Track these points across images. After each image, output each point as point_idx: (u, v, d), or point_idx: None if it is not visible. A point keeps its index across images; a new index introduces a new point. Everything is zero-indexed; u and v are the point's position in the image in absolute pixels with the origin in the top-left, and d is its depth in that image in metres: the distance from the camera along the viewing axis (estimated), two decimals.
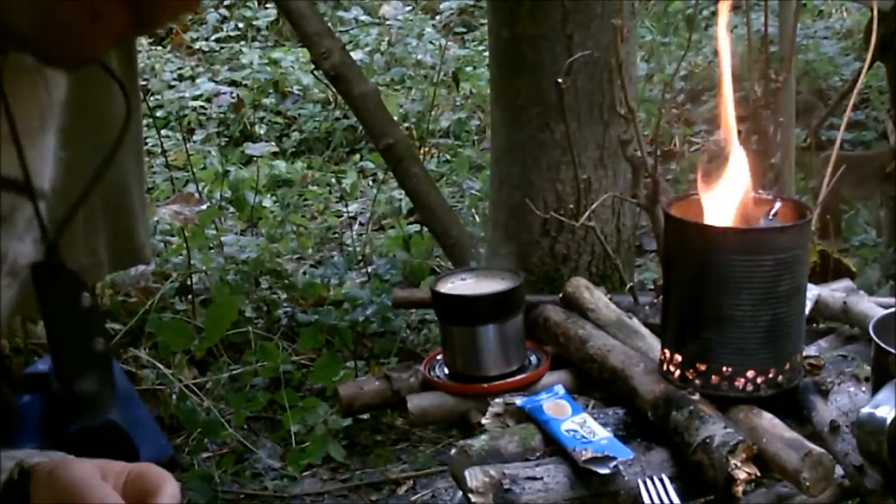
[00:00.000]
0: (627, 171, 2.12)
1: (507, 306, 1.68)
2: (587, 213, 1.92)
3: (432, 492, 2.62)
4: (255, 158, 4.48)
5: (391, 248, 3.64)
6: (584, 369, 1.66)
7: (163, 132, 4.50)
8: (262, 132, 4.96)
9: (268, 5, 5.87)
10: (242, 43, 5.81)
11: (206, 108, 5.11)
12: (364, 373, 2.87)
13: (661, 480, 1.37)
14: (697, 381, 1.47)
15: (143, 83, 5.09)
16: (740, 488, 1.32)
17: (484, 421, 1.53)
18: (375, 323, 3.13)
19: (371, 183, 4.41)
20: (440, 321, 1.76)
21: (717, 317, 1.45)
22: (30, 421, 1.06)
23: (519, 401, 1.53)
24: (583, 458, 1.35)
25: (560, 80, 1.91)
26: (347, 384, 1.76)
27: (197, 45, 5.79)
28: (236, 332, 3.03)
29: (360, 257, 3.64)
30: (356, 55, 4.76)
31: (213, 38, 5.85)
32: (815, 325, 1.79)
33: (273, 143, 4.78)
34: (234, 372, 2.93)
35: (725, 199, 1.49)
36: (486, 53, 3.23)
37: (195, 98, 5.16)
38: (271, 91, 5.21)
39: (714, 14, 5.39)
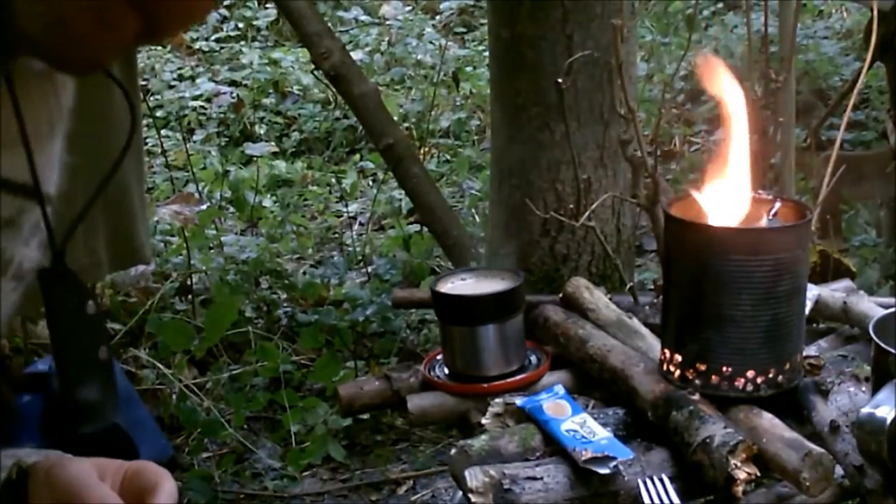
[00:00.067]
0: (627, 171, 2.12)
1: (507, 306, 1.68)
2: (587, 213, 1.92)
3: (432, 492, 2.62)
4: (255, 158, 4.49)
5: (391, 248, 3.65)
6: (584, 369, 1.66)
7: (163, 132, 4.50)
8: (262, 132, 4.96)
9: (268, 5, 5.88)
10: (242, 43, 5.82)
11: (206, 108, 5.11)
12: (364, 373, 2.87)
13: (661, 480, 1.37)
14: (697, 381, 1.47)
15: (143, 83, 5.10)
16: (740, 488, 1.32)
17: (484, 421, 1.53)
18: (375, 323, 3.14)
19: (371, 183, 4.42)
20: (440, 321, 1.76)
21: (717, 317, 1.45)
22: (30, 421, 1.06)
23: (519, 401, 1.53)
24: (583, 458, 1.35)
25: (560, 80, 1.91)
26: (347, 384, 1.76)
27: (197, 45, 5.80)
28: (236, 332, 3.03)
29: (360, 257, 3.64)
30: (356, 55, 4.76)
31: (213, 38, 5.86)
32: (815, 325, 1.79)
33: (273, 143, 4.78)
34: (234, 372, 2.93)
35: (725, 199, 1.49)
36: (486, 53, 3.23)
37: (195, 98, 5.16)
38: (271, 91, 5.21)
39: (714, 14, 5.40)
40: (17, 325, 2.56)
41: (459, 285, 1.73)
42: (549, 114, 2.19)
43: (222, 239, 3.63)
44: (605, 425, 1.46)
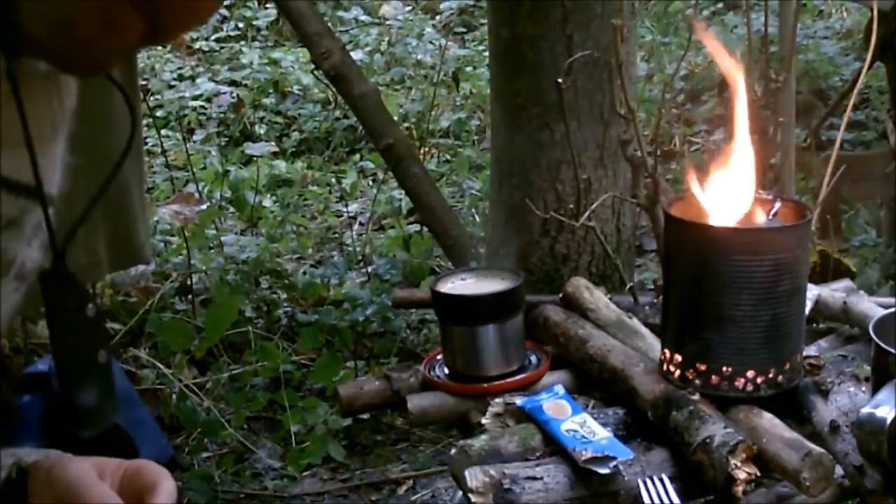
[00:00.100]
0: (627, 171, 2.12)
1: (507, 306, 1.68)
2: (587, 213, 1.92)
3: (432, 492, 2.62)
4: (255, 158, 4.49)
5: (391, 248, 3.65)
6: (584, 369, 1.66)
7: (163, 132, 4.50)
8: (262, 132, 4.96)
9: (268, 5, 5.88)
10: (242, 43, 5.82)
11: (206, 108, 5.11)
12: (364, 373, 2.87)
13: (661, 480, 1.37)
14: (697, 381, 1.47)
15: (143, 83, 5.09)
16: (740, 488, 1.32)
17: (484, 421, 1.53)
18: (375, 323, 3.14)
19: (371, 183, 4.42)
20: (440, 321, 1.76)
21: (717, 317, 1.45)
22: (30, 421, 1.06)
23: (519, 401, 1.53)
24: (583, 458, 1.35)
25: (560, 80, 1.91)
26: (347, 384, 1.76)
27: (197, 45, 5.80)
28: (236, 332, 3.03)
29: (360, 257, 3.64)
30: (356, 55, 4.76)
31: (213, 37, 5.86)
32: (815, 325, 1.79)
33: (273, 143, 4.78)
34: (234, 372, 2.93)
35: (725, 198, 1.49)
36: (486, 53, 3.23)
37: (195, 98, 5.16)
38: (271, 91, 5.21)
39: (714, 14, 5.39)
40: (17, 325, 2.56)
41: (459, 285, 1.73)
42: (549, 114, 2.19)
43: (222, 239, 3.63)
44: (605, 425, 1.46)
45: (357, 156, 4.68)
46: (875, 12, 2.15)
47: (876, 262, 3.15)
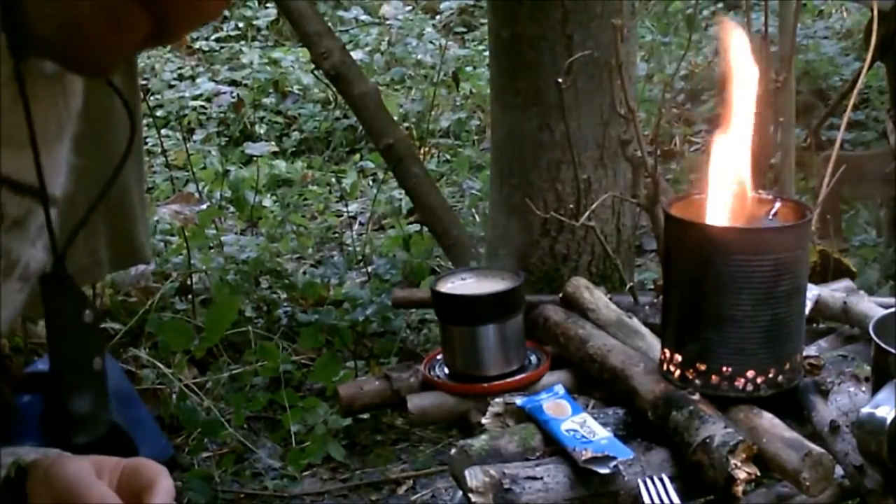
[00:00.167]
0: (627, 171, 2.12)
1: (507, 306, 1.68)
2: (587, 213, 1.92)
3: (432, 492, 2.62)
4: (255, 158, 4.49)
5: (391, 248, 3.65)
6: (584, 369, 1.66)
7: (163, 132, 4.50)
8: (262, 132, 4.96)
9: (268, 5, 5.87)
10: (242, 43, 5.81)
11: (206, 108, 5.11)
12: (364, 373, 2.87)
13: (661, 480, 1.37)
14: (697, 381, 1.47)
15: (143, 83, 5.09)
16: (740, 488, 1.32)
17: (484, 421, 1.53)
18: (375, 323, 3.14)
19: (371, 183, 4.41)
20: (440, 321, 1.76)
21: (717, 317, 1.45)
22: (30, 421, 1.06)
23: (519, 401, 1.53)
24: (583, 458, 1.35)
25: (560, 80, 1.91)
26: (347, 384, 1.76)
27: (197, 45, 5.79)
28: (236, 331, 3.03)
29: (360, 257, 3.64)
30: (356, 55, 4.76)
31: (213, 37, 5.85)
32: (815, 325, 1.79)
33: (273, 143, 4.78)
34: (234, 372, 2.93)
35: (725, 198, 1.49)
36: (486, 53, 3.23)
37: (195, 98, 5.16)
38: (271, 91, 5.21)
39: (714, 14, 5.41)
40: (17, 324, 2.56)
41: (459, 285, 1.73)
42: (549, 114, 2.19)
43: (222, 239, 3.63)
44: (605, 425, 1.46)
45: (357, 156, 4.68)
46: (875, 12, 2.15)
47: (876, 262, 3.15)
